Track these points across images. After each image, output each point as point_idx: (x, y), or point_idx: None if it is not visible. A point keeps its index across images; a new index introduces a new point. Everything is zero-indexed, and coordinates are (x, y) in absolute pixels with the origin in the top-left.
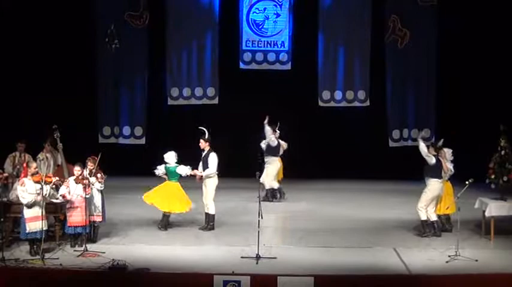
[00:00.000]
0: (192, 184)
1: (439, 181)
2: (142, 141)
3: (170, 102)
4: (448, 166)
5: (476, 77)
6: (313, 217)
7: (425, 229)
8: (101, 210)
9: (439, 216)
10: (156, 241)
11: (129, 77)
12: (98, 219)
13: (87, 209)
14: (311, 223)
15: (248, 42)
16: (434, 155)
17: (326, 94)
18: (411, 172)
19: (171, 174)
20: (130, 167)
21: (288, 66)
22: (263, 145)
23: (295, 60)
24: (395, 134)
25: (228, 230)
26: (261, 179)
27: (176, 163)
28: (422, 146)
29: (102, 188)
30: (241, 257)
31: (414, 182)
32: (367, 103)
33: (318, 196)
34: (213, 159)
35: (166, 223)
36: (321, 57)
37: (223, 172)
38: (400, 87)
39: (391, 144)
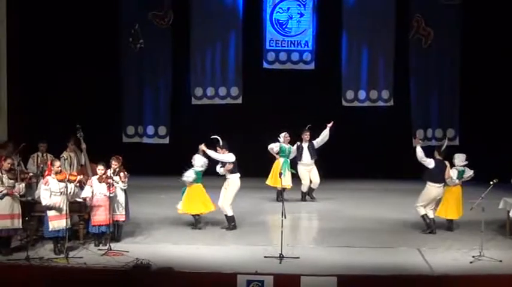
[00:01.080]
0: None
1: (437, 185)
2: (166, 140)
3: (194, 101)
4: (451, 174)
5: (500, 77)
6: (336, 216)
7: (427, 224)
8: (124, 209)
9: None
10: (179, 240)
11: (153, 77)
12: (122, 218)
13: (111, 208)
14: (334, 223)
15: (272, 41)
16: (439, 160)
17: (350, 94)
18: None
19: (198, 177)
20: (154, 167)
21: (312, 66)
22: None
23: (319, 60)
24: (419, 133)
25: (251, 229)
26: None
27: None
28: (418, 151)
29: (125, 187)
30: (265, 257)
31: None
32: (391, 103)
33: (340, 195)
34: (229, 155)
35: (198, 222)
36: (344, 57)
37: (246, 172)
38: (424, 86)
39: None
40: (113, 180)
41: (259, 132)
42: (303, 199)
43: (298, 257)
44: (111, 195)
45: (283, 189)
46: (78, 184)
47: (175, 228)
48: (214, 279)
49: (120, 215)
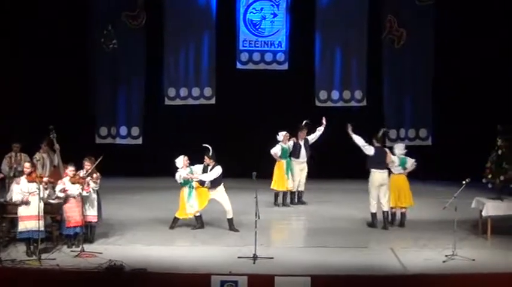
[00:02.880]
0: None
1: (381, 171)
2: (139, 141)
3: (167, 102)
4: (392, 158)
5: (473, 77)
6: (311, 217)
7: (373, 221)
8: (96, 210)
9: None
10: (153, 241)
11: (126, 77)
12: (94, 220)
13: (83, 209)
14: (308, 223)
15: (245, 42)
16: (378, 146)
17: (323, 94)
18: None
19: (184, 181)
20: (128, 168)
21: (285, 66)
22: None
23: (293, 60)
24: (393, 133)
25: (226, 230)
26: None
27: (187, 166)
28: (357, 139)
29: (97, 188)
30: (239, 257)
31: (413, 182)
32: (364, 103)
33: (315, 196)
34: (217, 169)
35: (200, 223)
36: (318, 57)
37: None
38: (397, 86)
39: (389, 144)
40: (86, 181)
41: (233, 133)
42: (295, 202)
43: (272, 258)
44: (86, 194)
45: (290, 192)
46: (46, 186)
47: (149, 229)
48: (188, 280)
49: (93, 216)
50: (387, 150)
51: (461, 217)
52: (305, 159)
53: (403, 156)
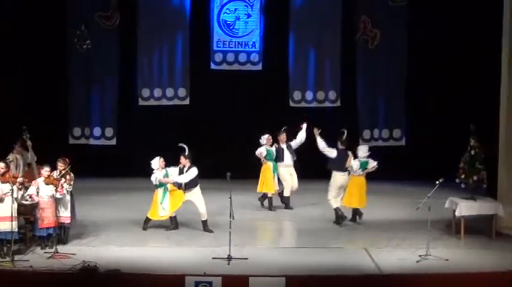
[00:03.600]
0: None
1: (342, 173)
2: (113, 142)
3: (141, 102)
4: (352, 163)
5: (446, 77)
6: (285, 217)
7: (337, 217)
8: (70, 211)
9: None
10: (127, 242)
11: (100, 78)
12: (67, 221)
13: (57, 210)
14: (283, 224)
15: (219, 42)
16: (341, 149)
17: (297, 94)
18: (381, 172)
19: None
20: (102, 168)
21: (259, 67)
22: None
23: (267, 61)
24: (366, 134)
25: (200, 231)
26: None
27: (163, 168)
28: (319, 141)
29: (70, 189)
30: (213, 258)
31: (385, 182)
32: (338, 103)
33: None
34: (192, 170)
35: (175, 224)
36: (291, 58)
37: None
38: (371, 87)
39: (362, 144)
40: (59, 182)
41: (207, 134)
42: (288, 206)
43: (246, 259)
44: (60, 196)
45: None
46: (20, 186)
47: (123, 230)
48: (162, 281)
49: (66, 217)
50: (350, 154)
51: (434, 216)
52: (291, 162)
53: (365, 159)
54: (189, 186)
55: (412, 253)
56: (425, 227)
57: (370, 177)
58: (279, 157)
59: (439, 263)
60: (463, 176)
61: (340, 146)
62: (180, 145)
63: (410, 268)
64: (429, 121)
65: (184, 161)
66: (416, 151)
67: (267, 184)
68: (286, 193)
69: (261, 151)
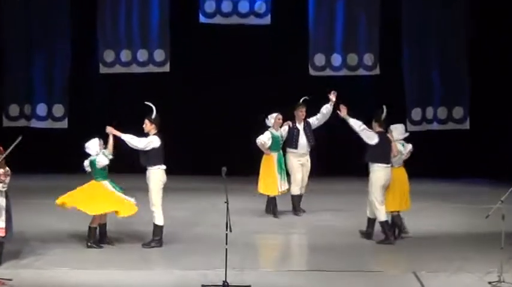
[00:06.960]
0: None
1: (386, 165)
2: (64, 124)
3: (103, 70)
4: (399, 147)
5: None
6: (301, 228)
7: (387, 234)
8: (4, 221)
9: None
10: (84, 264)
11: (46, 40)
12: (1, 234)
13: None
14: (298, 238)
15: None
16: (378, 132)
17: (320, 59)
18: (437, 166)
19: (95, 169)
20: (48, 161)
21: (267, 20)
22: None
23: (277, 12)
24: (416, 114)
25: (185, 248)
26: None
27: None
28: (353, 122)
29: (4, 189)
30: (203, 286)
31: (443, 181)
32: (377, 71)
33: (307, 199)
34: (152, 139)
35: (98, 237)
36: (312, 9)
37: (176, 168)
38: (422, 51)
39: (411, 128)
40: None
41: (194, 113)
42: (297, 212)
43: (249, 286)
44: None
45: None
46: None
47: (77, 246)
48: None
49: None
50: (391, 138)
51: (509, 228)
52: (306, 150)
53: (402, 141)
54: (147, 162)
55: (479, 279)
56: (498, 243)
57: (415, 174)
58: (291, 142)
59: None
60: None
61: (379, 128)
62: (146, 103)
63: None
64: (501, 99)
65: (149, 127)
66: (483, 138)
67: (268, 182)
68: (295, 191)
69: (263, 141)
